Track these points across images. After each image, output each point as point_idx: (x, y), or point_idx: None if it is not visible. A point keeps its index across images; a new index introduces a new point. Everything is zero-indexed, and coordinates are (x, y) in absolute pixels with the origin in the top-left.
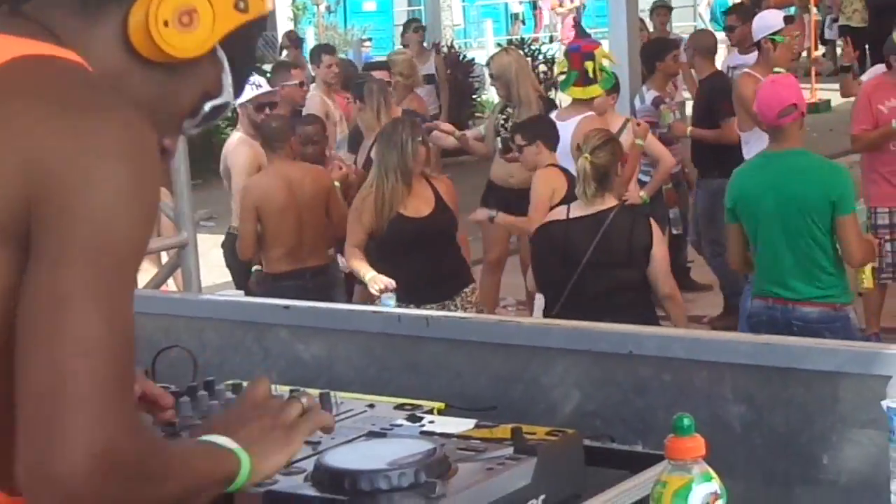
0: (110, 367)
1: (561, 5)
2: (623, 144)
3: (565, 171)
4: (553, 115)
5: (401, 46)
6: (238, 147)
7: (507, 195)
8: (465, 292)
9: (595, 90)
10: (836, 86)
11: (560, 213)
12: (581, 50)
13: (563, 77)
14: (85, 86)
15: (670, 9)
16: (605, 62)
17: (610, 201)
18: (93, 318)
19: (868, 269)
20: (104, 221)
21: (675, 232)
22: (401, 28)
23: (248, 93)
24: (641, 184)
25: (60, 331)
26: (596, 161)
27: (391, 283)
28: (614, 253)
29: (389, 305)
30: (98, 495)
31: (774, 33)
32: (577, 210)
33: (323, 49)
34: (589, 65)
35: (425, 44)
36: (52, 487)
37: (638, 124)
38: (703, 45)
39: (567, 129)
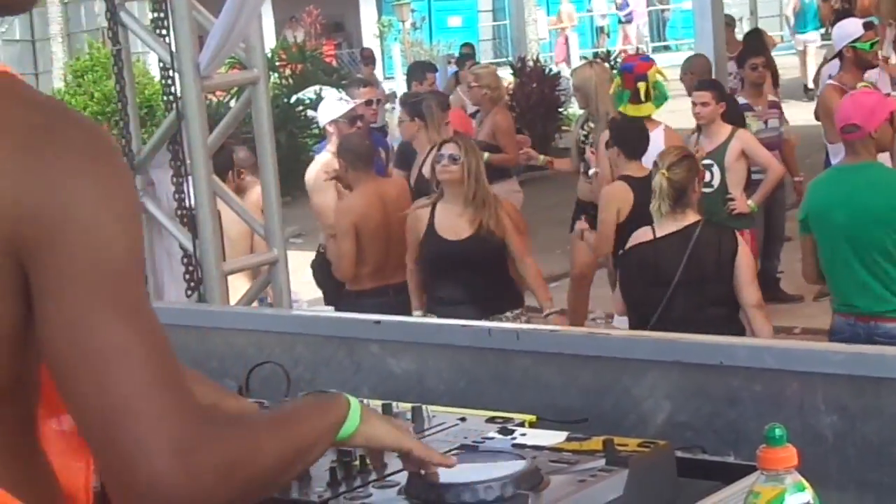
0: (149, 368)
1: (560, 21)
2: (733, 153)
3: (635, 180)
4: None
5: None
6: (312, 166)
7: (594, 210)
8: (507, 316)
9: (648, 108)
10: None
11: (646, 234)
12: (634, 70)
13: (617, 94)
14: (30, 105)
15: (733, 22)
16: (659, 78)
17: (692, 217)
18: (118, 328)
19: None
20: (96, 241)
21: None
22: (487, 42)
23: (340, 108)
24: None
25: (94, 352)
26: (673, 178)
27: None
28: (704, 268)
29: None
30: (191, 491)
31: (855, 41)
32: (662, 229)
33: (427, 67)
34: (641, 85)
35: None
36: (147, 501)
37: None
38: (697, 68)
39: (654, 139)
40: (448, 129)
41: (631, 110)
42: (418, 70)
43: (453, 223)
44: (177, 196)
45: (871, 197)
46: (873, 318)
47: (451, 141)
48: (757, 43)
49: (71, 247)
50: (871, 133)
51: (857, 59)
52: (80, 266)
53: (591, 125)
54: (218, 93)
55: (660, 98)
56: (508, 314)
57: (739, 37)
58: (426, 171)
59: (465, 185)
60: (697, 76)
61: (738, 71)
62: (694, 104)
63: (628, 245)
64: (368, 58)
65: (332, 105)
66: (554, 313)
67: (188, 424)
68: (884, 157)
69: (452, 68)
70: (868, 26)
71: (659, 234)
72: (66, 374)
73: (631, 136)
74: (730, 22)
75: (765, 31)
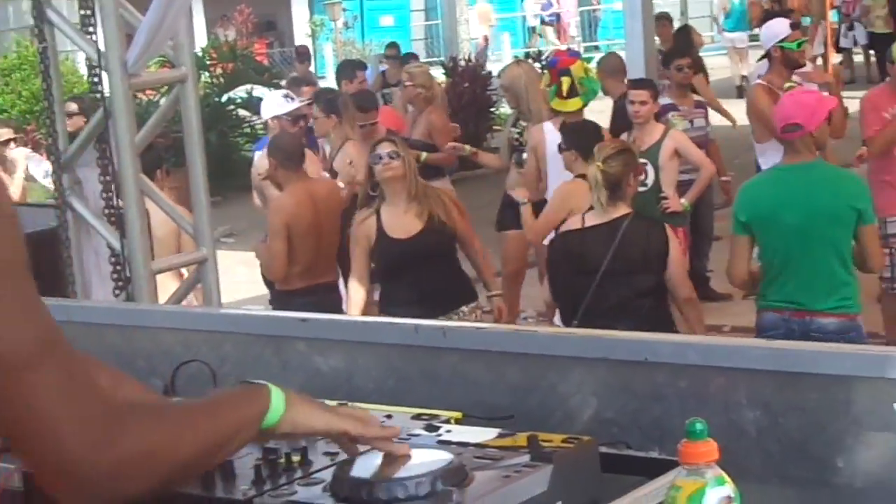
0: (53, 370)
1: (489, 21)
2: (666, 152)
3: None
4: (548, 124)
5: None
6: (261, 161)
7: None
8: (463, 311)
9: (576, 103)
10: (853, 94)
11: (575, 223)
12: (557, 66)
13: (548, 88)
14: None
15: (671, 20)
16: (585, 74)
17: (623, 209)
18: (17, 333)
19: None
20: None
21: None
22: (419, 42)
23: (284, 106)
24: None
25: None
26: (608, 170)
27: None
28: (631, 260)
29: None
30: (116, 483)
31: (783, 41)
32: (592, 219)
33: (357, 65)
34: (565, 80)
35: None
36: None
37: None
38: (610, 67)
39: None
40: (379, 128)
41: (557, 105)
42: (348, 68)
43: (401, 222)
44: (104, 195)
45: (822, 195)
46: (810, 313)
47: (386, 140)
48: (684, 42)
49: None
50: (812, 132)
51: (784, 59)
52: None
53: (523, 124)
54: (148, 92)
55: (588, 94)
56: (465, 308)
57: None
58: (337, 166)
59: (408, 181)
60: (608, 75)
61: (663, 71)
62: (632, 102)
63: (558, 232)
64: (304, 55)
65: (276, 102)
66: (497, 296)
67: (102, 420)
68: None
69: (385, 68)
70: (795, 26)
71: (588, 224)
72: None
73: (585, 138)
74: (667, 18)
75: (693, 28)
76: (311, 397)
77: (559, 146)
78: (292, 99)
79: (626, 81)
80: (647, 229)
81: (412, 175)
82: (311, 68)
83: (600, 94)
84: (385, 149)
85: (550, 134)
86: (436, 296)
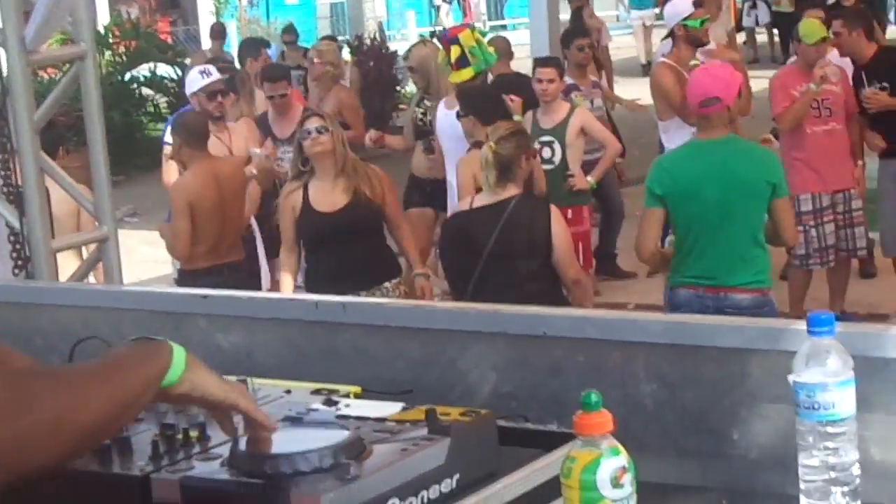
0: None
1: None
2: (573, 130)
3: None
4: (442, 102)
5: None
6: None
7: (429, 186)
8: (387, 287)
9: (467, 73)
10: (757, 73)
11: (464, 204)
12: (448, 35)
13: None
14: None
15: None
16: (476, 44)
17: (512, 190)
18: None
19: None
20: None
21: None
22: (324, 21)
23: (199, 81)
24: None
25: None
26: (500, 151)
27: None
28: (515, 243)
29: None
30: (23, 453)
31: (686, 19)
32: (480, 200)
33: (261, 42)
34: (455, 49)
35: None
36: None
37: None
38: (498, 48)
39: (449, 117)
40: (291, 100)
41: (454, 76)
42: (252, 46)
43: (328, 196)
44: (2, 173)
45: (743, 169)
46: (725, 289)
47: (314, 115)
48: (581, 23)
49: None
50: (730, 105)
51: (688, 37)
52: None
53: (428, 103)
54: (49, 70)
55: (479, 63)
56: (388, 285)
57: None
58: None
59: (337, 155)
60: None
61: (563, 52)
62: (539, 81)
63: (449, 214)
64: (217, 32)
65: (192, 78)
66: (421, 275)
67: (7, 390)
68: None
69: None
70: (698, 4)
71: (475, 205)
72: None
73: (482, 101)
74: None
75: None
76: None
77: (457, 114)
78: (208, 74)
79: (510, 64)
80: (532, 210)
81: (341, 150)
82: None
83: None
84: (313, 123)
85: (441, 111)
86: (359, 271)
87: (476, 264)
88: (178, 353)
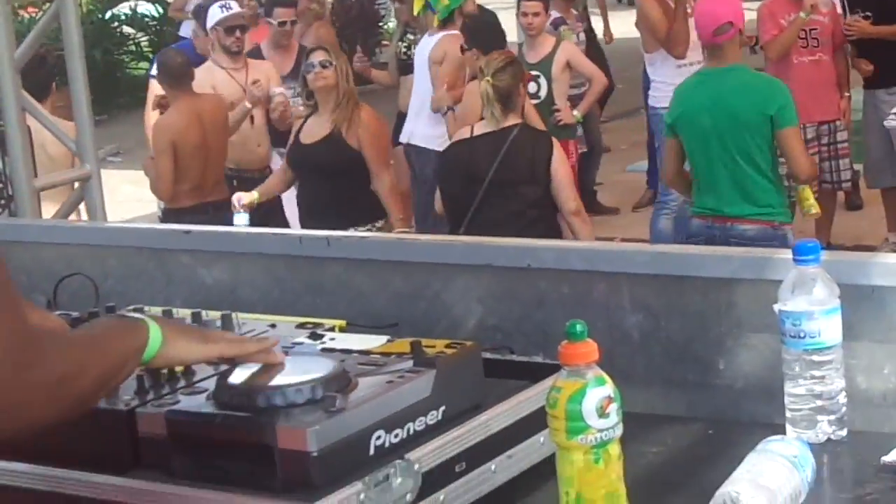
0: None
1: None
2: (558, 64)
3: None
4: (427, 34)
5: None
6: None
7: None
8: (359, 230)
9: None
10: (747, 5)
11: (464, 133)
12: None
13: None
14: None
15: None
16: None
17: (513, 120)
18: None
19: (809, 193)
20: None
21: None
22: None
23: (217, 14)
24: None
25: None
26: (498, 83)
27: (251, 199)
28: (516, 170)
29: (241, 221)
30: (27, 408)
31: None
32: (480, 128)
33: None
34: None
35: None
36: None
37: None
38: None
39: (428, 44)
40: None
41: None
42: None
43: (314, 129)
44: None
45: (736, 100)
46: (730, 219)
47: (319, 48)
48: None
49: None
50: (741, 29)
51: None
52: None
53: (411, 37)
54: (30, 10)
55: (443, 11)
56: (361, 228)
57: None
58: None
59: (338, 91)
60: None
61: None
62: (525, 14)
63: (449, 143)
64: None
65: (212, 12)
66: (402, 232)
67: (22, 344)
68: None
69: None
70: None
71: (476, 133)
72: None
73: (485, 33)
74: None
75: None
76: (187, 326)
77: (461, 47)
78: (228, 8)
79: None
80: (533, 140)
81: (344, 85)
82: None
83: None
84: (318, 57)
85: (420, 46)
86: (331, 210)
87: (476, 192)
88: (154, 333)
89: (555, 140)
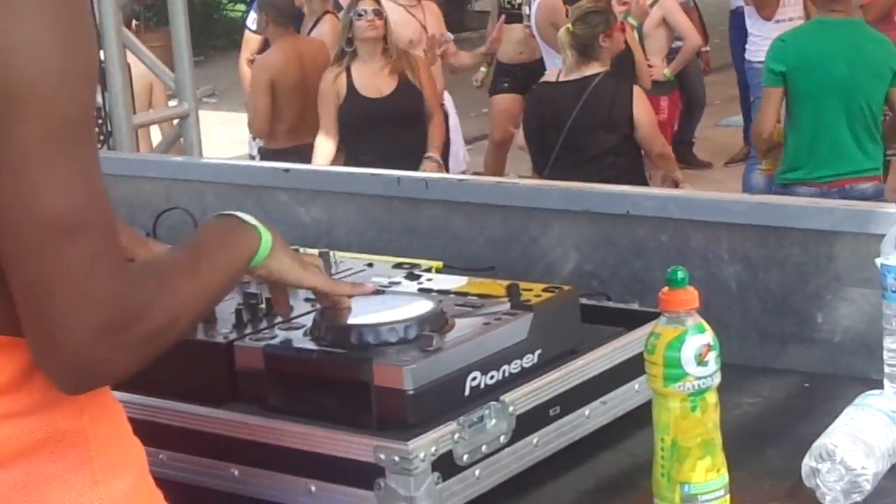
0: (90, 239)
1: None
2: (653, 20)
3: None
4: None
5: None
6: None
7: (520, 71)
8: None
9: None
10: None
11: (552, 75)
12: None
13: None
14: None
15: None
16: None
17: (596, 68)
18: (66, 200)
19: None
20: (43, 85)
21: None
22: None
23: None
24: None
25: (29, 209)
26: (576, 32)
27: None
28: (595, 117)
29: None
30: (126, 365)
31: None
32: (566, 74)
33: None
34: None
35: None
36: (70, 377)
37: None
38: None
39: None
40: None
41: None
42: None
43: (374, 81)
44: None
45: (869, 50)
46: (849, 180)
47: None
48: None
49: (34, 108)
50: None
51: None
52: (38, 129)
53: None
54: None
55: None
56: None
57: None
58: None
59: (387, 41)
60: None
61: None
62: None
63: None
64: None
65: None
66: (432, 158)
67: (122, 301)
68: None
69: None
70: None
71: (561, 79)
72: (9, 242)
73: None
74: None
75: None
76: (287, 245)
77: None
78: None
79: None
80: (614, 88)
81: (390, 35)
82: None
83: None
84: (368, 6)
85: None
86: (403, 156)
87: (558, 136)
88: (266, 238)
89: (637, 88)
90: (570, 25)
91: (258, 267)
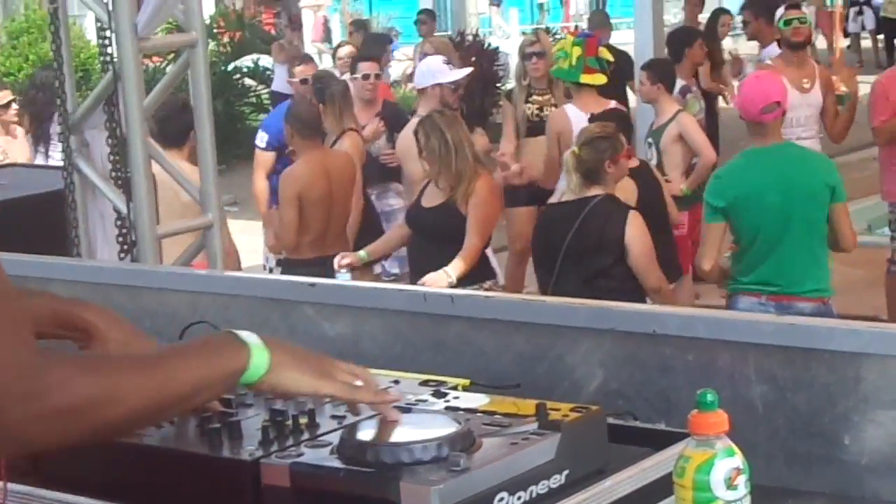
0: None
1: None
2: (669, 135)
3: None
4: (571, 105)
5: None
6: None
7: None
8: (478, 287)
9: (601, 78)
10: (861, 78)
11: (556, 196)
12: (592, 37)
13: (566, 63)
14: None
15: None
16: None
17: (597, 190)
18: None
19: None
20: None
21: None
22: None
23: (449, 74)
24: None
25: None
26: (582, 156)
27: (355, 260)
28: (587, 239)
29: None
30: (41, 434)
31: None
32: (568, 196)
33: (386, 39)
34: (602, 51)
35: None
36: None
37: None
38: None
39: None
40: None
41: (588, 79)
42: (377, 42)
43: (435, 192)
44: (111, 157)
45: (802, 174)
46: (788, 297)
47: None
48: (713, 27)
49: None
50: (785, 109)
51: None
52: None
53: (540, 98)
54: (155, 59)
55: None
56: (471, 288)
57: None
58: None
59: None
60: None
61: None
62: (642, 83)
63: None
64: (296, 23)
65: (438, 68)
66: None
67: (26, 373)
68: None
69: (395, 43)
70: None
71: (563, 199)
72: None
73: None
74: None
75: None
76: (307, 356)
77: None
78: (452, 68)
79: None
80: (609, 211)
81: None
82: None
83: None
84: None
85: (575, 117)
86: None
87: (556, 258)
88: (259, 358)
89: (634, 213)
90: (576, 149)
91: (258, 384)
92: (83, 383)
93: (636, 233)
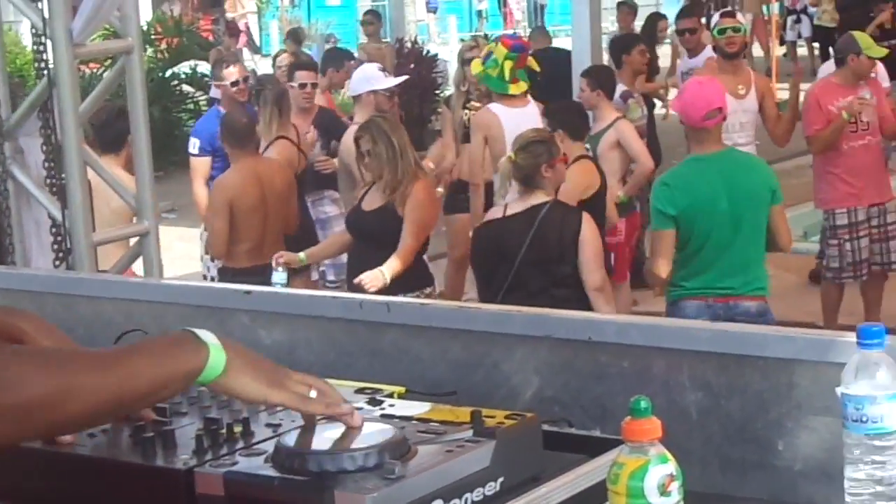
0: None
1: (235, 9)
2: (606, 142)
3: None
4: (497, 104)
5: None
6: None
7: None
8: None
9: (522, 87)
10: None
11: (497, 212)
12: (522, 45)
13: (495, 72)
14: None
15: (635, 8)
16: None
17: (541, 197)
18: None
19: None
20: None
21: None
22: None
23: (384, 81)
24: None
25: None
26: (519, 161)
27: (293, 259)
28: (547, 249)
29: (279, 282)
30: None
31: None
32: (511, 208)
33: (346, 55)
34: (532, 62)
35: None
36: None
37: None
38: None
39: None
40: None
41: (514, 89)
42: (335, 57)
43: (375, 197)
44: (46, 164)
45: (748, 179)
46: (734, 297)
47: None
48: (652, 30)
49: None
50: (726, 116)
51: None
52: None
53: (477, 105)
54: (91, 65)
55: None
56: (411, 295)
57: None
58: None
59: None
60: None
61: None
62: (582, 90)
63: (483, 221)
64: (234, 29)
65: (373, 75)
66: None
67: None
68: None
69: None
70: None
71: (508, 213)
72: None
73: (572, 116)
74: (632, 8)
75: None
76: (263, 363)
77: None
78: (387, 75)
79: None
80: (562, 216)
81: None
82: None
83: None
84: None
85: (504, 116)
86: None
87: (508, 271)
88: (216, 360)
89: (586, 215)
90: (512, 155)
91: (212, 384)
92: (40, 380)
93: (590, 235)
